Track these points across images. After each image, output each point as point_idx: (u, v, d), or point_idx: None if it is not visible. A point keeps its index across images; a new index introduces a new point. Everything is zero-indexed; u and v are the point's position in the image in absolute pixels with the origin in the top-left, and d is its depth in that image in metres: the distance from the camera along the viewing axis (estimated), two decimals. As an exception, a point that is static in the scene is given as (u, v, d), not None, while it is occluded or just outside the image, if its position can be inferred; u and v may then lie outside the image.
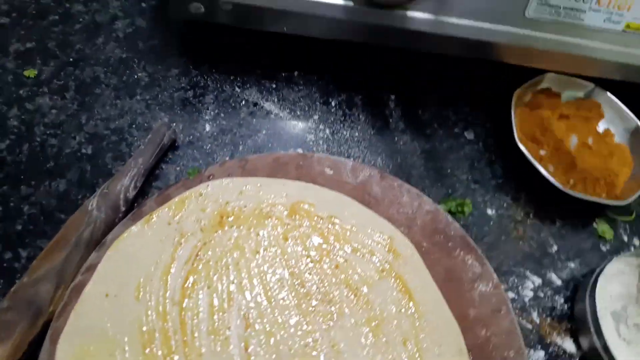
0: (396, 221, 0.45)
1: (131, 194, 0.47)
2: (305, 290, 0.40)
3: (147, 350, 0.36)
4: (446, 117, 0.62)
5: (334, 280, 0.41)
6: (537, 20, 0.50)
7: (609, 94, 0.60)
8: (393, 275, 0.42)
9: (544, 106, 0.58)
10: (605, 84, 0.60)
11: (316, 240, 0.43)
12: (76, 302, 0.37)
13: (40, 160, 0.50)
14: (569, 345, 0.49)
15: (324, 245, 0.43)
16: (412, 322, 0.40)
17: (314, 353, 0.38)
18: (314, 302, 0.40)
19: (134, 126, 0.54)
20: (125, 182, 0.47)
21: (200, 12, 0.51)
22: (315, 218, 0.44)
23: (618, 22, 0.51)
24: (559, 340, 0.49)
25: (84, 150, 0.51)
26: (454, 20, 0.51)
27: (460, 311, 0.42)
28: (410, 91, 0.62)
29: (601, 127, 0.60)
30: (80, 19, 0.60)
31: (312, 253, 0.42)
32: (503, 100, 0.58)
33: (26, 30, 0.58)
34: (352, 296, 0.41)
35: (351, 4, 0.50)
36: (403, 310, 0.41)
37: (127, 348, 0.36)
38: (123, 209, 0.46)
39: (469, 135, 0.61)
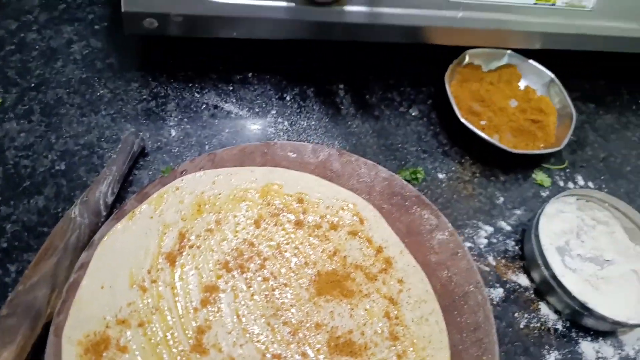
0: (357, 190, 0.50)
1: (109, 199, 0.50)
2: (285, 258, 0.44)
3: (148, 331, 0.39)
4: (391, 98, 0.68)
5: (308, 247, 0.46)
6: (459, 2, 0.57)
7: (522, 56, 0.68)
8: (361, 235, 0.47)
9: (471, 80, 0.66)
10: (518, 52, 0.68)
11: (288, 215, 0.47)
12: (74, 298, 0.40)
13: (15, 182, 0.52)
14: (523, 280, 0.55)
15: (295, 217, 0.47)
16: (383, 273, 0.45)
17: (299, 309, 0.42)
18: (294, 264, 0.44)
19: (102, 139, 0.57)
20: (102, 189, 0.50)
21: (154, 27, 0.55)
22: (285, 196, 0.48)
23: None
24: (514, 277, 0.55)
25: (57, 167, 0.54)
26: (385, 10, 0.57)
27: (423, 258, 0.47)
28: (357, 79, 0.68)
29: (522, 85, 0.68)
30: (37, 46, 0.62)
31: (287, 226, 0.47)
32: (439, 78, 0.65)
33: (-16, 62, 0.60)
34: (327, 257, 0.45)
35: (293, 4, 0.55)
36: (375, 263, 0.46)
37: (129, 332, 0.39)
38: (104, 213, 0.49)
39: (414, 112, 0.67)
